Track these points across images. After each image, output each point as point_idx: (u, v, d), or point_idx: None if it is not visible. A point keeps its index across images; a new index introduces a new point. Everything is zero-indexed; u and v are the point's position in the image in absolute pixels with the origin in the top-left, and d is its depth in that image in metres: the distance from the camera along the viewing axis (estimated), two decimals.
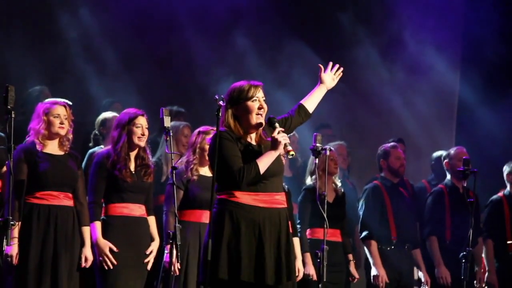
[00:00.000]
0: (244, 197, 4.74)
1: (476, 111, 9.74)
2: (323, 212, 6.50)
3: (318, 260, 6.46)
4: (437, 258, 7.58)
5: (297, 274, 6.61)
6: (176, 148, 6.93)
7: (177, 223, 5.68)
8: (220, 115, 4.82)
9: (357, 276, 7.26)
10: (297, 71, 9.69)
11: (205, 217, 6.08)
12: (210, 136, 6.10)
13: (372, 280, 7.34)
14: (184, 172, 6.20)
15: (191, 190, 6.18)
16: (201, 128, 6.33)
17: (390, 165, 7.56)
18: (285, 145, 4.74)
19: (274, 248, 4.73)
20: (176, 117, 7.34)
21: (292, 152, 4.75)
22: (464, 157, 7.31)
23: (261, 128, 4.86)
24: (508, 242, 7.89)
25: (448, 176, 7.85)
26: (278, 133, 4.77)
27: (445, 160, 7.88)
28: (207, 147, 6.19)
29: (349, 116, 9.94)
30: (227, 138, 4.76)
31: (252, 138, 4.86)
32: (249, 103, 4.80)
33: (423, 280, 7.49)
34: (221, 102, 5.65)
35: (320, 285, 6.45)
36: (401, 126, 9.64)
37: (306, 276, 6.78)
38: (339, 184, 7.25)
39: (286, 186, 6.71)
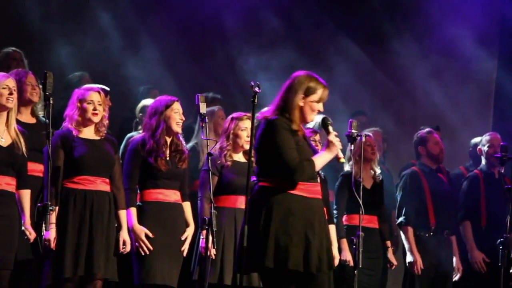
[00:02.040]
0: (290, 187, 4.73)
1: None
2: (358, 198, 6.48)
3: (354, 247, 6.46)
4: (470, 243, 7.54)
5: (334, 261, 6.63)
6: (215, 133, 6.95)
7: (212, 209, 5.72)
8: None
9: (395, 262, 7.25)
10: (335, 62, 9.67)
11: (240, 202, 6.11)
12: (244, 122, 6.15)
13: (408, 266, 7.32)
14: (218, 158, 6.22)
15: (225, 176, 6.20)
16: (234, 114, 6.34)
17: (430, 151, 7.53)
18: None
19: (318, 237, 4.74)
20: (212, 104, 7.36)
21: (342, 160, 4.81)
22: (501, 143, 7.26)
23: None
24: None
25: (483, 162, 7.81)
26: (335, 136, 4.81)
27: (478, 147, 7.84)
28: (240, 133, 6.22)
29: (386, 103, 9.88)
30: (285, 127, 4.75)
31: (301, 133, 4.86)
32: (315, 96, 4.81)
33: (455, 267, 7.45)
34: (256, 89, 5.69)
35: (356, 271, 6.45)
36: (438, 113, 9.56)
37: (342, 262, 6.78)
38: (378, 170, 7.23)
39: (322, 173, 6.72)
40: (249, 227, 4.73)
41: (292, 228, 4.68)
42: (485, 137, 7.83)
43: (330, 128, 4.86)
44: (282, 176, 4.72)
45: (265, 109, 5.13)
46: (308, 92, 4.81)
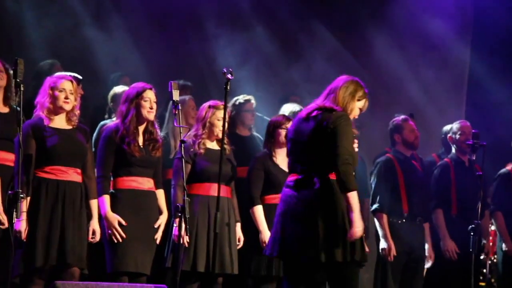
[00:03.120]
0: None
1: (487, 84, 9.71)
2: None
3: None
4: (442, 231, 7.58)
5: None
6: (185, 122, 6.93)
7: (185, 196, 5.71)
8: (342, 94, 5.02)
9: (366, 249, 7.26)
10: (309, 49, 9.67)
11: (213, 190, 6.11)
12: (221, 111, 6.15)
13: (381, 252, 7.36)
14: (191, 146, 6.21)
15: (198, 164, 6.20)
16: (211, 102, 6.33)
17: (405, 138, 7.54)
18: None
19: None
20: (182, 91, 7.32)
21: None
22: (473, 131, 7.31)
23: None
24: None
25: (454, 150, 7.87)
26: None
27: (448, 135, 7.89)
28: (217, 122, 6.22)
29: None
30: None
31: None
32: (361, 103, 5.11)
33: (427, 254, 7.49)
34: (229, 76, 5.68)
35: None
36: (412, 101, 9.61)
37: None
38: None
39: None
40: (323, 219, 4.84)
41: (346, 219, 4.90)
42: (456, 125, 7.87)
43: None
44: (333, 168, 4.86)
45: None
46: (360, 99, 5.10)
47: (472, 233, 6.96)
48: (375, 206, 7.43)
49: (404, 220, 7.41)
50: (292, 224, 4.90)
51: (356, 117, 5.13)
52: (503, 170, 8.15)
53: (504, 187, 7.99)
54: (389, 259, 7.25)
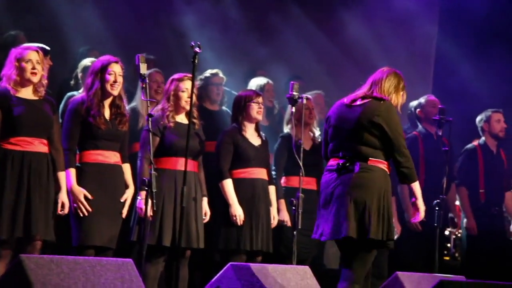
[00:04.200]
0: (386, 166, 5.11)
1: (453, 60, 9.78)
2: (298, 160, 6.54)
3: (293, 208, 6.53)
4: (406, 203, 7.64)
5: (272, 221, 6.69)
6: (150, 96, 6.89)
7: (152, 170, 5.70)
8: (384, 85, 5.17)
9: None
10: (280, 24, 9.65)
11: (180, 164, 6.09)
12: (184, 83, 6.14)
13: None
14: (160, 119, 6.19)
15: (167, 137, 6.17)
16: (175, 75, 6.30)
17: None
18: None
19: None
20: (150, 65, 7.28)
21: None
22: (440, 106, 7.37)
23: None
24: (481, 190, 8.00)
25: (421, 124, 7.92)
26: None
27: (418, 109, 7.94)
28: (181, 94, 6.21)
29: (330, 67, 9.92)
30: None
31: None
32: (404, 95, 5.24)
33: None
34: (197, 49, 5.66)
35: (294, 232, 6.51)
36: None
37: (280, 223, 6.83)
38: (317, 133, 7.26)
39: (264, 135, 6.75)
40: (362, 200, 5.00)
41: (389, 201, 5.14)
42: (423, 99, 7.93)
43: None
44: (388, 156, 5.08)
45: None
46: (402, 90, 5.22)
47: (437, 208, 7.03)
48: None
49: None
50: (334, 206, 5.05)
51: (399, 110, 5.22)
52: (469, 145, 8.24)
53: (470, 162, 8.08)
54: None
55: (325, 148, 5.31)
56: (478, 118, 8.20)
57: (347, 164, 5.04)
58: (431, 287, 4.99)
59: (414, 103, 8.05)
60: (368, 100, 5.10)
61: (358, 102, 5.12)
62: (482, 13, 9.82)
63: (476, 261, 8.01)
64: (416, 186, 5.15)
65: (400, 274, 6.43)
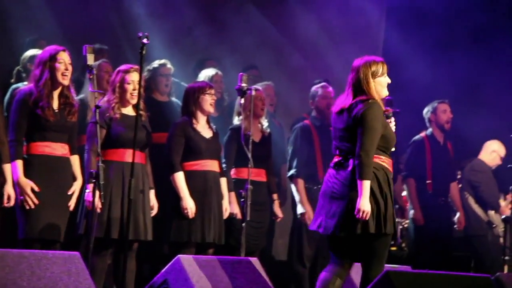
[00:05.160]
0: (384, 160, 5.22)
1: (401, 52, 9.86)
2: (247, 152, 6.56)
3: (242, 200, 6.55)
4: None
5: (224, 214, 6.69)
6: (100, 86, 6.83)
7: (100, 162, 5.65)
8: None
9: (280, 215, 7.35)
10: (230, 16, 9.64)
11: (127, 156, 6.05)
12: (131, 75, 6.10)
13: (298, 217, 7.44)
14: (106, 110, 6.13)
15: (114, 129, 6.12)
16: (121, 67, 6.24)
17: (317, 105, 7.64)
18: None
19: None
20: (99, 55, 7.23)
21: (393, 149, 5.33)
22: (387, 98, 7.42)
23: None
24: (428, 181, 8.10)
25: None
26: (391, 124, 5.36)
27: None
28: (126, 86, 6.16)
29: (277, 56, 9.94)
30: (381, 112, 5.20)
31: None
32: (383, 78, 5.29)
33: None
34: (145, 40, 5.63)
35: (243, 224, 6.53)
36: (328, 68, 9.69)
37: (230, 215, 6.84)
38: (265, 124, 7.28)
39: (214, 127, 6.74)
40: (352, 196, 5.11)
41: (387, 196, 5.19)
42: None
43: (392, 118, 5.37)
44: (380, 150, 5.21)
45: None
46: (374, 74, 5.27)
47: None
48: (291, 171, 7.51)
49: (319, 186, 7.47)
50: (331, 201, 5.19)
51: (386, 94, 5.31)
52: (416, 137, 8.33)
53: (417, 154, 8.17)
54: (308, 222, 7.35)
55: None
56: (425, 110, 8.30)
57: (343, 161, 5.20)
58: (378, 277, 5.02)
59: None
60: (351, 101, 5.22)
61: (347, 105, 5.24)
62: (429, 3, 9.92)
63: (423, 251, 8.12)
64: (363, 185, 5.11)
65: None
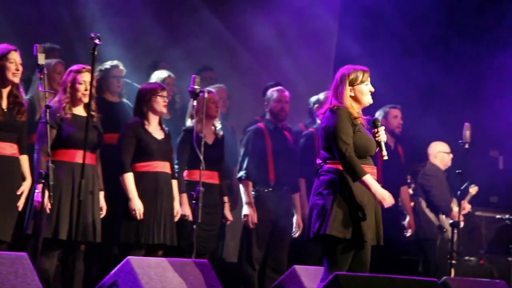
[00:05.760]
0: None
1: (353, 58, 9.94)
2: (199, 154, 6.56)
3: (194, 202, 6.55)
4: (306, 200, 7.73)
5: (175, 215, 6.68)
6: (50, 86, 6.77)
7: (50, 162, 5.61)
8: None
9: (230, 218, 7.35)
10: (183, 19, 9.64)
11: (78, 157, 6.01)
12: (82, 75, 6.07)
13: (242, 219, 7.46)
14: (57, 110, 6.09)
15: (64, 130, 6.09)
16: (73, 67, 6.22)
17: (272, 109, 7.66)
18: (381, 144, 5.33)
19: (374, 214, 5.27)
20: (50, 54, 7.17)
21: (385, 157, 5.32)
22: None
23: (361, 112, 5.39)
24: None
25: (319, 120, 8.02)
26: (380, 132, 5.38)
27: (316, 105, 8.05)
28: (78, 86, 6.12)
29: (231, 59, 9.95)
30: (347, 117, 5.22)
31: (360, 120, 5.36)
32: (364, 86, 5.33)
33: (294, 224, 7.63)
34: (97, 41, 5.60)
35: (194, 226, 6.53)
36: (281, 71, 9.73)
37: (182, 217, 6.83)
38: (218, 126, 7.28)
39: (167, 129, 6.73)
40: (319, 201, 5.20)
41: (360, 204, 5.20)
42: (322, 95, 8.04)
43: (380, 126, 5.40)
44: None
45: None
46: (351, 82, 5.34)
47: None
48: (241, 173, 7.53)
49: (270, 189, 7.54)
50: (310, 207, 5.30)
51: (370, 101, 5.36)
52: None
53: None
54: (251, 226, 7.37)
55: None
56: (376, 114, 8.36)
57: (318, 169, 5.31)
58: (327, 280, 5.05)
59: (313, 99, 8.14)
60: (328, 106, 5.35)
61: (325, 108, 5.41)
62: (379, 9, 10.01)
63: (372, 254, 8.15)
64: (366, 180, 5.19)
65: (297, 267, 6.51)
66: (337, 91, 5.33)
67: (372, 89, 5.39)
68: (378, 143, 5.37)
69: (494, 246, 8.80)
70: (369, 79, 5.39)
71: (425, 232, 8.63)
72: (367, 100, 5.36)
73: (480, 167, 9.33)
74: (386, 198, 5.18)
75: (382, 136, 5.38)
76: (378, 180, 5.31)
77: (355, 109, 5.32)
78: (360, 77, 5.33)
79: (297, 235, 7.58)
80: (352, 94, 5.32)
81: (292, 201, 7.64)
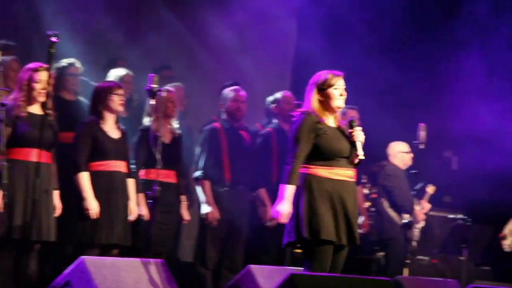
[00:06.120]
0: (321, 171, 5.36)
1: (312, 58, 9.99)
2: (156, 153, 6.54)
3: (150, 201, 6.52)
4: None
5: (131, 215, 6.66)
6: (5, 84, 6.70)
7: (4, 161, 5.55)
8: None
9: (187, 217, 7.35)
10: (143, 18, 9.60)
11: (32, 155, 5.96)
12: (39, 73, 6.02)
13: (203, 217, 7.46)
14: (12, 108, 6.03)
15: (19, 128, 6.04)
16: (30, 65, 6.17)
17: (228, 108, 7.67)
18: (356, 144, 5.39)
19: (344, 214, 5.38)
20: (6, 51, 7.10)
21: (361, 157, 5.40)
22: (295, 102, 7.50)
23: (339, 114, 5.50)
24: None
25: (276, 119, 8.05)
26: (356, 132, 5.43)
27: (273, 105, 8.07)
28: (34, 85, 6.08)
29: (189, 58, 9.94)
30: (309, 123, 5.34)
31: (331, 122, 5.43)
32: (332, 90, 5.38)
33: (268, 216, 7.61)
34: (54, 39, 5.57)
35: (150, 225, 6.51)
36: (240, 71, 9.74)
37: (138, 216, 6.80)
38: (176, 125, 7.27)
39: (123, 127, 6.71)
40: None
41: (323, 206, 5.32)
42: (279, 95, 8.08)
43: (356, 126, 5.46)
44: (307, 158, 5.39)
45: None
46: (319, 87, 5.44)
47: None
48: (198, 173, 7.53)
49: (226, 188, 7.55)
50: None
51: (342, 106, 5.43)
52: None
53: None
54: (214, 223, 7.38)
55: None
56: None
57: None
58: (282, 279, 5.08)
59: (270, 98, 8.16)
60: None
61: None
62: (338, 9, 10.06)
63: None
64: (285, 189, 5.36)
65: (252, 267, 6.52)
66: (307, 96, 5.45)
67: (344, 93, 5.45)
68: (353, 144, 5.42)
69: (447, 246, 8.88)
70: (340, 83, 5.45)
71: (389, 231, 8.68)
72: (336, 104, 5.43)
73: (434, 168, 9.43)
74: (281, 211, 5.32)
75: (358, 136, 5.44)
76: None
77: (326, 113, 5.42)
78: (329, 81, 5.41)
79: (273, 222, 7.50)
80: (321, 99, 5.41)
81: (257, 197, 7.68)
